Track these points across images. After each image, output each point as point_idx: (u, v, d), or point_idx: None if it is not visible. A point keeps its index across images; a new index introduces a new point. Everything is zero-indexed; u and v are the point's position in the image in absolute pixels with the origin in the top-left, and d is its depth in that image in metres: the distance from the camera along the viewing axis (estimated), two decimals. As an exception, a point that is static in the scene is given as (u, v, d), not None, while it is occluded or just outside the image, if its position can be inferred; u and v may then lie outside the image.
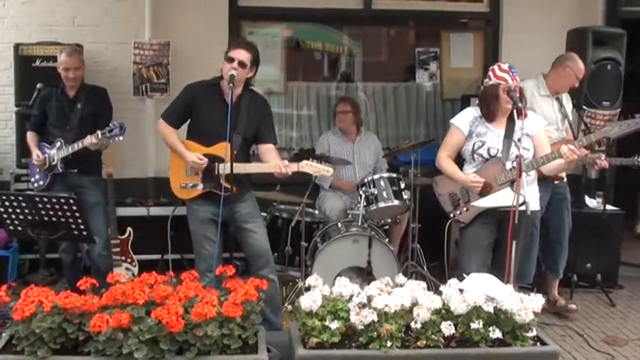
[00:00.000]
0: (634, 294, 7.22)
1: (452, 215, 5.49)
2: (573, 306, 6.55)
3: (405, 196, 6.46)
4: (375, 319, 4.07)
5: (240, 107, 5.30)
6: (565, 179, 6.50)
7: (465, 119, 5.43)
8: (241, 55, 5.23)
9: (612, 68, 7.23)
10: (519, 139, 4.89)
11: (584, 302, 6.92)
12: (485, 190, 5.22)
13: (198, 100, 5.36)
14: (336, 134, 7.34)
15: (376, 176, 6.52)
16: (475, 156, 5.31)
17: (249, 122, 5.33)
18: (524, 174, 4.89)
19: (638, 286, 7.42)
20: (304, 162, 5.30)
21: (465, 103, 7.73)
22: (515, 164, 4.97)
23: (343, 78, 9.01)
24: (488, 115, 5.33)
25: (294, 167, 5.25)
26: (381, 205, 6.36)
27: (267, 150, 5.48)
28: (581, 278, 7.07)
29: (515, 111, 5.02)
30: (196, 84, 5.50)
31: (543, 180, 5.86)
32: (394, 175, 6.59)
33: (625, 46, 7.35)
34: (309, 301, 4.13)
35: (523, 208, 4.71)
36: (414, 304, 4.22)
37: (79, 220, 4.86)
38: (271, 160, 5.37)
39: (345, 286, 4.29)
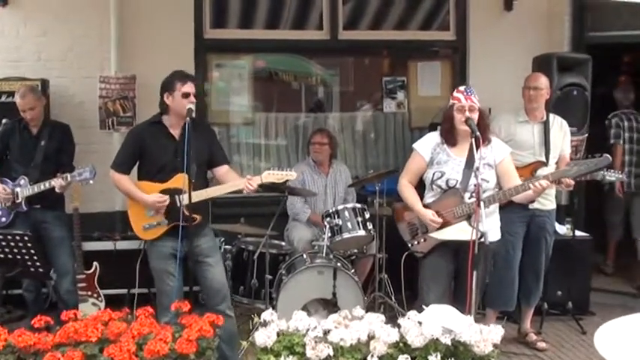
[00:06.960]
0: (605, 321, 7.13)
1: (410, 245, 5.47)
2: (543, 344, 6.48)
3: (369, 227, 6.44)
4: (331, 354, 4.02)
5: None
6: (549, 208, 6.39)
7: (427, 145, 5.36)
8: (193, 88, 5.27)
9: (578, 94, 7.19)
10: (477, 169, 4.87)
11: (554, 330, 6.89)
12: (443, 223, 5.19)
13: (145, 142, 5.33)
14: (310, 166, 7.29)
15: (340, 207, 6.52)
16: (434, 186, 5.27)
17: (199, 149, 5.25)
18: (482, 205, 4.81)
19: (609, 313, 7.27)
20: (266, 172, 5.30)
21: (433, 131, 7.70)
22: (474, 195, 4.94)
23: (313, 108, 9.00)
24: (447, 137, 5.28)
25: (258, 180, 5.24)
26: (346, 235, 6.34)
27: (225, 172, 5.48)
28: (551, 306, 7.02)
29: (473, 140, 4.96)
30: (139, 127, 5.59)
31: (520, 207, 5.88)
32: (358, 205, 6.59)
33: (591, 72, 7.34)
34: (264, 337, 4.08)
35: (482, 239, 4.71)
36: (372, 337, 4.18)
37: (35, 257, 4.82)
38: (232, 181, 5.37)
39: (301, 320, 4.24)
